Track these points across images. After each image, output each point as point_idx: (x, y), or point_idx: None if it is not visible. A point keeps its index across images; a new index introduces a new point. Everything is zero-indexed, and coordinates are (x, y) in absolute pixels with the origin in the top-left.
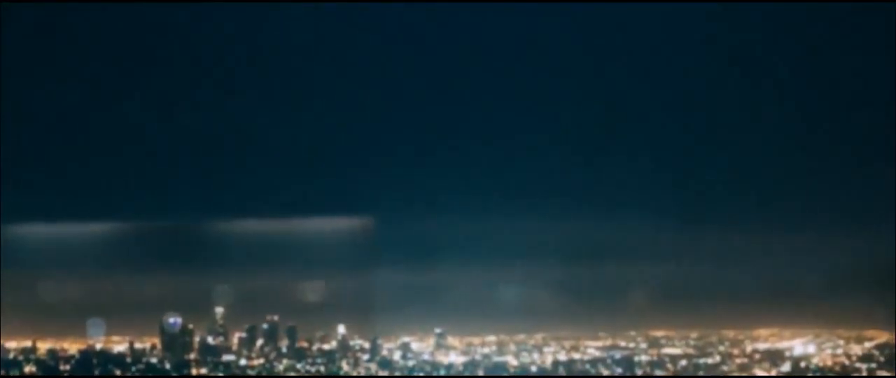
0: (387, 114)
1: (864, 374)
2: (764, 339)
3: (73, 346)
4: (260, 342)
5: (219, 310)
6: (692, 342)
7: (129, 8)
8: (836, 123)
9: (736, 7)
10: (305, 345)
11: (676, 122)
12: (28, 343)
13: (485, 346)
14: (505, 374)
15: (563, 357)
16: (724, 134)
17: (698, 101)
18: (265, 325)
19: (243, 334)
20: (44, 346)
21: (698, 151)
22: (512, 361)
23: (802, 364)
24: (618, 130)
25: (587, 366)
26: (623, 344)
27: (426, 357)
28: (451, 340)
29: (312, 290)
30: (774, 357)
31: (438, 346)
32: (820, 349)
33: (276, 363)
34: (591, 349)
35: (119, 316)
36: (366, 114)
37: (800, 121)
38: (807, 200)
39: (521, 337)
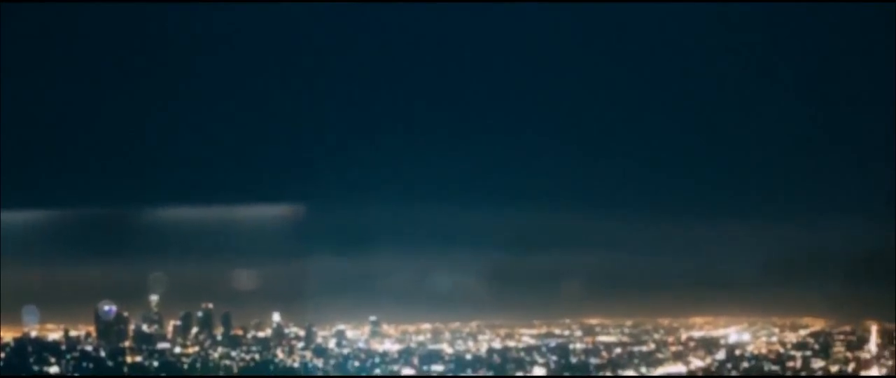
0: (320, 102)
1: (799, 361)
2: (699, 327)
3: (7, 334)
4: (195, 330)
5: (153, 297)
6: (627, 330)
7: None
8: (771, 115)
9: None
10: (240, 332)
11: (613, 114)
12: None
13: (419, 333)
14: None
15: (497, 345)
16: (661, 125)
17: (635, 91)
18: (200, 313)
19: (178, 322)
20: None
21: (634, 142)
22: (447, 349)
23: (737, 352)
24: (555, 121)
25: (521, 353)
26: (558, 332)
27: (361, 345)
28: (386, 328)
29: (247, 278)
30: (709, 345)
31: (373, 333)
32: (755, 337)
33: (210, 351)
34: (526, 337)
35: (54, 304)
36: (299, 102)
37: (736, 112)
38: (741, 190)
39: (456, 325)
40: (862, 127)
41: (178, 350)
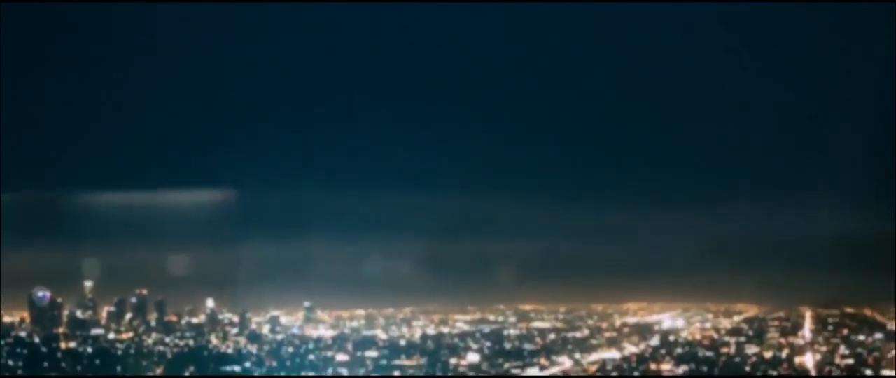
0: (253, 88)
1: (733, 347)
2: (633, 313)
3: None
4: (129, 316)
5: (87, 283)
6: (561, 316)
7: None
8: (702, 100)
9: None
10: (174, 318)
11: (545, 100)
12: None
13: (354, 319)
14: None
15: (431, 331)
16: (593, 111)
17: (567, 79)
18: (134, 299)
19: (112, 308)
20: None
21: (567, 129)
22: (381, 335)
23: (671, 338)
24: (488, 107)
25: (455, 339)
26: (492, 318)
27: (295, 331)
28: (320, 314)
29: (181, 264)
30: (643, 331)
31: (307, 319)
32: (689, 323)
33: (144, 337)
34: (460, 323)
35: None
36: (232, 89)
37: (666, 99)
38: (675, 176)
39: (390, 311)
40: (796, 114)
41: (112, 336)
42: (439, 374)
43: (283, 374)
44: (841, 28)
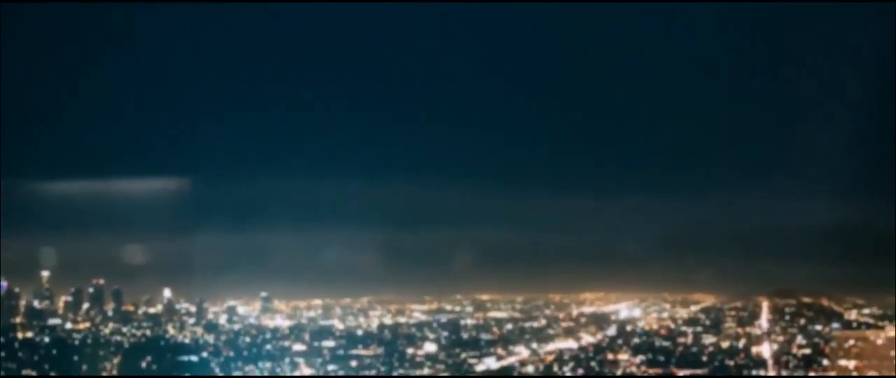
0: (211, 77)
1: (691, 337)
2: (590, 303)
3: None
4: (86, 306)
5: (44, 273)
6: (518, 306)
7: None
8: (660, 89)
9: None
10: (131, 308)
11: (500, 88)
12: None
13: (311, 309)
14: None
15: (388, 321)
16: (551, 100)
17: (523, 67)
18: (91, 289)
19: (69, 298)
20: None
21: (524, 117)
22: (338, 325)
23: (628, 327)
24: (443, 96)
25: (413, 329)
26: (449, 308)
27: (252, 320)
28: (278, 304)
29: (138, 254)
30: (600, 320)
31: (264, 309)
32: (646, 312)
33: (101, 326)
34: (417, 313)
35: None
36: (189, 77)
37: (625, 87)
38: (632, 166)
39: (347, 301)
40: (753, 104)
41: (69, 326)
42: (397, 365)
43: (240, 363)
44: (799, 16)
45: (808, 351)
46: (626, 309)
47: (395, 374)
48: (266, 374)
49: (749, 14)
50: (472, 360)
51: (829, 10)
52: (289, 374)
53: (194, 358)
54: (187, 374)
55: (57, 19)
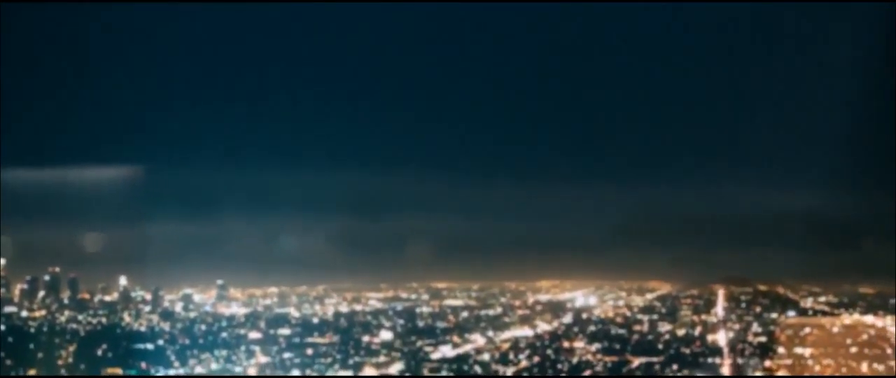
0: (168, 65)
1: (646, 324)
2: (546, 291)
3: None
4: (42, 294)
5: (0, 261)
6: (474, 294)
7: None
8: (615, 78)
9: None
10: (87, 296)
11: (456, 78)
12: None
13: (266, 297)
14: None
15: (344, 308)
16: (507, 89)
17: (479, 57)
18: (47, 277)
19: (25, 286)
20: None
21: (480, 105)
22: (293, 313)
23: (584, 315)
24: (398, 85)
25: (368, 317)
26: (405, 296)
27: (208, 308)
28: (233, 292)
29: (94, 242)
30: (556, 308)
31: (220, 297)
32: (602, 300)
33: (57, 314)
34: (373, 301)
35: None
36: (147, 65)
37: (580, 77)
38: (588, 154)
39: (303, 289)
40: (707, 92)
41: (24, 314)
42: (353, 352)
43: (195, 351)
44: (759, 6)
45: (763, 339)
46: (582, 297)
47: (352, 361)
48: (223, 361)
49: (706, 2)
50: (427, 348)
51: None
52: (245, 362)
53: (150, 346)
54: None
55: (5, 8)
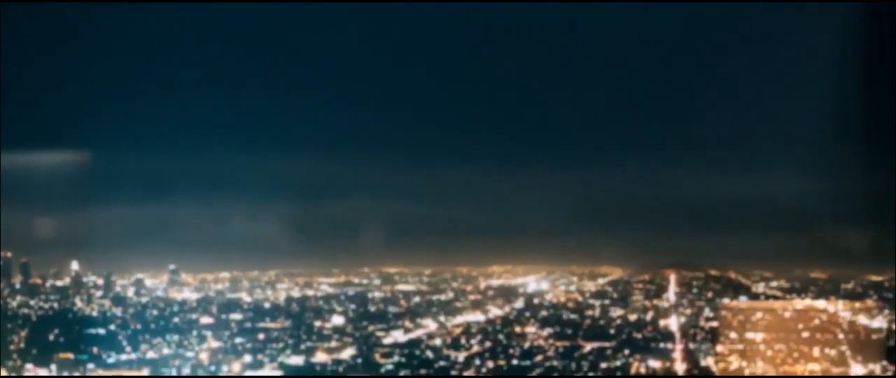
0: (118, 50)
1: (598, 309)
2: (498, 276)
3: None
4: None
5: None
6: (426, 279)
7: None
8: (567, 62)
9: None
10: (39, 281)
11: (408, 62)
12: None
13: (218, 282)
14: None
15: (296, 293)
16: (457, 72)
17: (430, 40)
18: None
19: None
20: None
21: (431, 90)
22: (245, 298)
23: (536, 300)
24: (350, 69)
25: (320, 302)
26: (357, 280)
27: (160, 293)
28: (185, 277)
29: (45, 227)
30: (508, 293)
31: (172, 282)
32: (554, 285)
33: (9, 299)
34: (325, 286)
35: None
36: (97, 49)
37: (531, 61)
38: (539, 139)
39: (255, 273)
40: (659, 77)
41: None
42: (305, 337)
43: (147, 336)
44: None
45: (715, 324)
46: (534, 282)
47: (303, 346)
48: (174, 346)
49: None
50: (379, 333)
51: None
52: (197, 346)
53: (102, 330)
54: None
55: None
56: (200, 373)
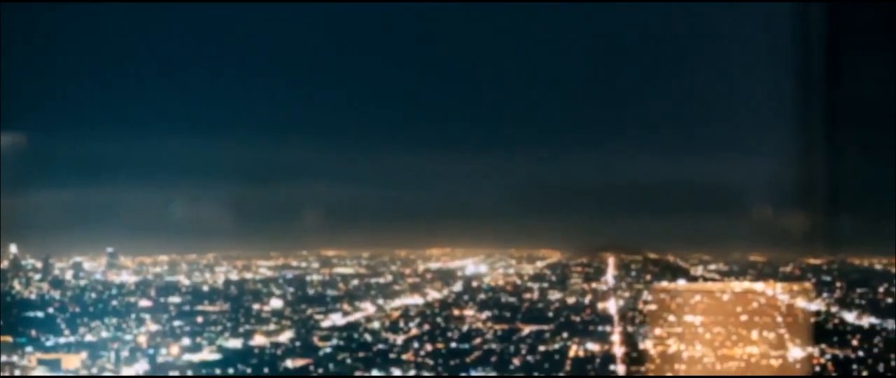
0: (56, 29)
1: (537, 292)
2: (436, 259)
3: None
4: None
5: None
6: (364, 262)
7: None
8: (504, 45)
9: None
10: None
11: (346, 44)
12: None
13: (157, 265)
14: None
15: (234, 276)
16: (392, 54)
17: (368, 22)
18: None
19: None
20: None
21: (368, 73)
22: (184, 281)
23: (474, 283)
24: (289, 51)
25: (259, 285)
26: (295, 264)
27: (98, 276)
28: (124, 260)
29: None
30: (446, 276)
31: (110, 265)
32: (492, 268)
33: None
34: (263, 269)
35: None
36: (32, 30)
37: (466, 41)
38: (477, 120)
39: (193, 256)
40: (597, 59)
41: None
42: (244, 321)
43: (86, 319)
44: None
45: (653, 307)
46: (472, 265)
47: (242, 329)
48: (113, 329)
49: None
50: (317, 316)
51: None
52: (135, 330)
53: (40, 314)
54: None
55: None
56: (138, 356)
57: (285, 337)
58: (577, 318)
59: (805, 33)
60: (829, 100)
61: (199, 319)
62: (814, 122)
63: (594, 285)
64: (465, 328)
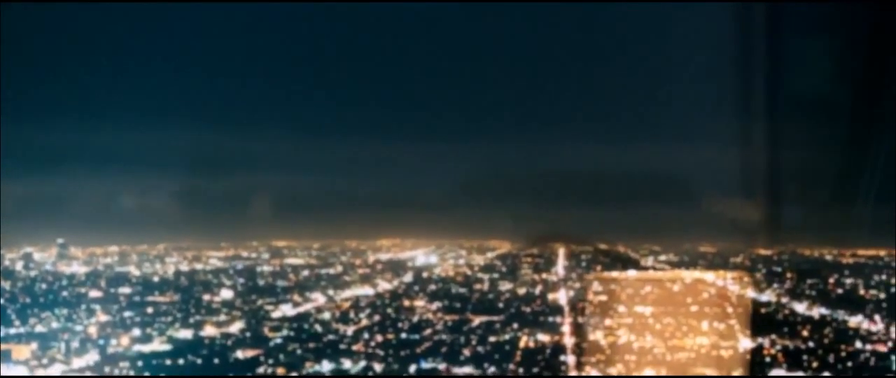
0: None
1: (487, 283)
2: (386, 250)
3: None
4: None
5: None
6: (314, 253)
7: None
8: (456, 34)
9: None
10: None
11: (296, 34)
12: None
13: (107, 256)
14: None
15: (185, 267)
16: (345, 44)
17: (319, 11)
18: None
19: None
20: None
21: (319, 62)
22: (134, 271)
23: (425, 274)
24: (237, 42)
25: (209, 276)
26: (245, 254)
27: (49, 267)
28: (74, 250)
29: None
30: (397, 267)
31: (61, 256)
32: (442, 259)
33: None
34: (214, 259)
35: None
36: None
37: (419, 31)
38: (427, 110)
39: (144, 247)
40: (549, 47)
41: None
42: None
43: (36, 310)
44: None
45: (604, 297)
46: (423, 255)
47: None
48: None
49: None
50: (268, 307)
51: None
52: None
53: None
54: None
55: None
56: (89, 346)
57: (236, 327)
58: (528, 309)
59: (748, 27)
60: (774, 91)
61: (150, 310)
62: (762, 114)
63: (544, 276)
64: (415, 319)
